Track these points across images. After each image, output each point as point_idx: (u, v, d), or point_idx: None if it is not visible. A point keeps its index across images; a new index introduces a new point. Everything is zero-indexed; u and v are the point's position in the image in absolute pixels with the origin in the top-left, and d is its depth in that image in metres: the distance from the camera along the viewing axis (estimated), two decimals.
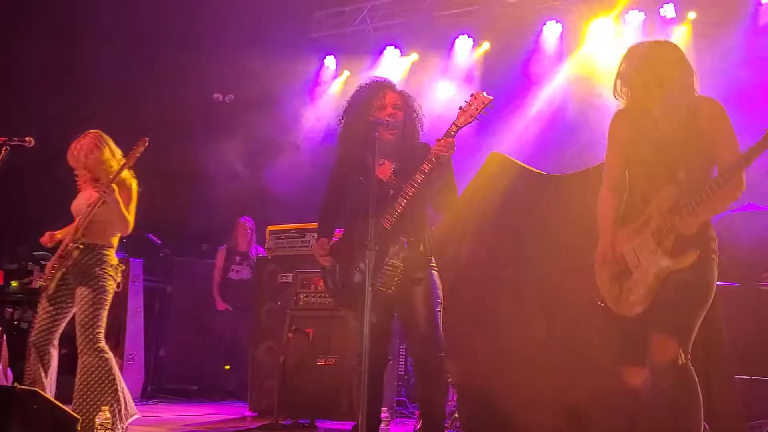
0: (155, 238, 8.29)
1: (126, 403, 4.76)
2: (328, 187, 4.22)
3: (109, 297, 4.79)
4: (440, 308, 3.94)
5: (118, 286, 4.87)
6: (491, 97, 3.85)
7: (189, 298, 8.64)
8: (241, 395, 7.58)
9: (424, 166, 3.80)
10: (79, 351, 4.70)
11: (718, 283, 3.54)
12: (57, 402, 4.08)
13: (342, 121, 4.12)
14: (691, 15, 8.00)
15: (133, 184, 4.91)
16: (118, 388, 4.71)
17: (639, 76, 3.37)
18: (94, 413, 4.46)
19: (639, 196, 3.48)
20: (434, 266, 4.03)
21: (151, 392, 8.05)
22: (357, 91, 4.10)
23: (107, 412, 4.37)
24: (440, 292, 3.98)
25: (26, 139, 4.60)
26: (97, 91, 8.78)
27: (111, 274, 4.81)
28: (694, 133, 3.30)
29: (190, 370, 8.34)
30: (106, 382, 4.67)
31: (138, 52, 9.09)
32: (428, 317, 3.88)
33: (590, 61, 8.40)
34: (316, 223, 4.29)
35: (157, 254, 8.36)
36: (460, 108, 3.89)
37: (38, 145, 4.65)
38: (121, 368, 7.43)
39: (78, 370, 4.70)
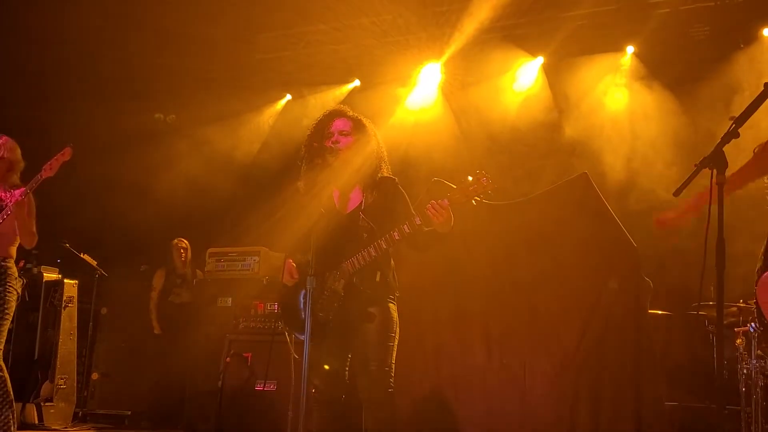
0: (91, 259, 8.12)
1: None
2: (297, 214, 4.12)
3: (11, 311, 4.65)
4: (394, 343, 3.88)
5: (17, 299, 4.73)
6: (494, 185, 3.66)
7: (124, 321, 8.43)
8: (176, 421, 7.43)
9: (405, 227, 3.77)
10: None
11: (651, 311, 3.64)
12: None
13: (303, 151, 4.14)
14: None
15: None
16: (13, 405, 4.54)
17: None
18: None
19: None
20: (392, 299, 3.96)
21: (82, 417, 7.83)
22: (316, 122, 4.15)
23: None
24: (395, 327, 3.91)
25: None
26: (35, 108, 8.58)
27: (15, 287, 4.68)
28: None
29: (123, 395, 8.13)
30: (2, 391, 4.51)
31: (80, 71, 8.93)
32: (379, 354, 3.82)
33: (534, 92, 8.55)
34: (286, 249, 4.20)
35: (92, 275, 8.17)
36: (462, 184, 3.71)
37: None
38: (52, 393, 7.28)
39: None
